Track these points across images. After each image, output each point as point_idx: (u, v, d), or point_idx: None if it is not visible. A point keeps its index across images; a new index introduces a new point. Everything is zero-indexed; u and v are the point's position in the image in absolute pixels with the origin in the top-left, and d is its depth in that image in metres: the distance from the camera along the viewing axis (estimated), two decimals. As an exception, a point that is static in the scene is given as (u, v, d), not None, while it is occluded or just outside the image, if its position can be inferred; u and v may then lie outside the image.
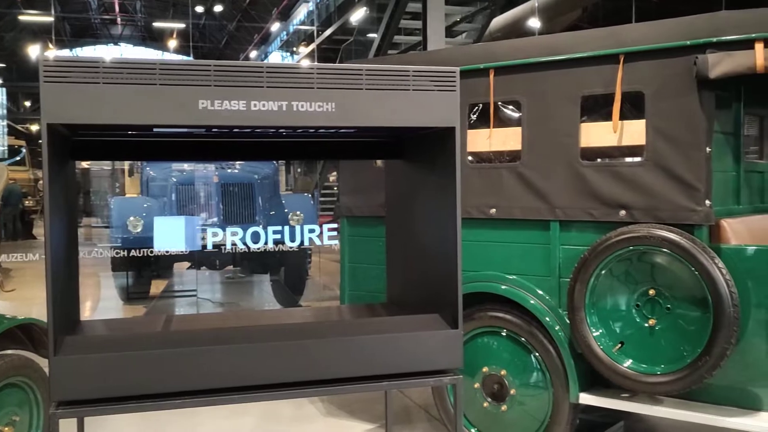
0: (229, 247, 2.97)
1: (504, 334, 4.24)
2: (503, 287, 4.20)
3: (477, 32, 13.34)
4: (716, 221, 3.70)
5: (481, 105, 4.34)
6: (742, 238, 3.76)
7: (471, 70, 4.27)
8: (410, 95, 2.56)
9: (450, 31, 14.12)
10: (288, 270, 10.10)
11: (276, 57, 37.49)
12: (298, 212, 9.96)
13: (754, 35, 3.43)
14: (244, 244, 2.93)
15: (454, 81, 2.70)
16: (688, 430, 4.75)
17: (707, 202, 3.59)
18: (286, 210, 10.20)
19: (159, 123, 2.47)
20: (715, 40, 3.51)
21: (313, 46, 25.57)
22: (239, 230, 2.85)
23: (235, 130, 2.69)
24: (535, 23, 13.86)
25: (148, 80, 2.43)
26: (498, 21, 14.12)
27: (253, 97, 2.48)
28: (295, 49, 33.82)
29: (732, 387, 3.65)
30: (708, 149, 3.59)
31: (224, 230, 2.86)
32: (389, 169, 3.51)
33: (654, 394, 3.73)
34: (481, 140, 4.34)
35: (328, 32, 23.91)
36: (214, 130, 2.70)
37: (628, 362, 3.73)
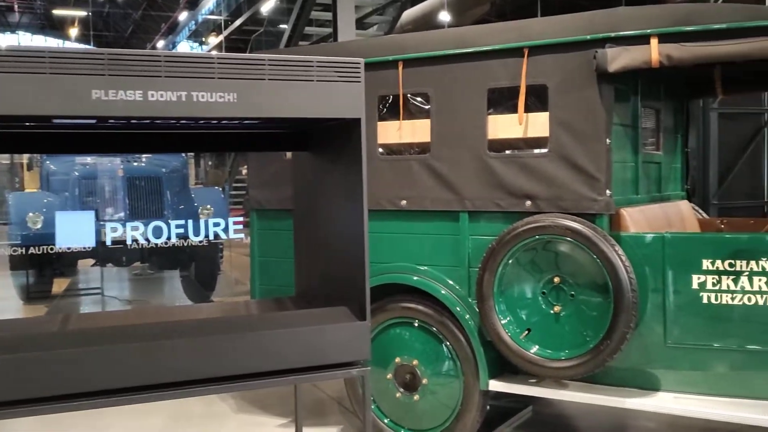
0: (129, 242, 2.86)
1: (416, 324, 4.27)
2: (415, 278, 4.23)
3: (388, 24, 13.39)
4: (616, 210, 3.84)
5: (390, 97, 4.34)
6: (640, 226, 3.91)
7: (380, 62, 4.27)
8: (314, 86, 2.53)
9: (361, 23, 14.13)
10: (199, 265, 9.89)
11: (184, 47, 36.59)
12: (208, 206, 9.78)
13: (649, 31, 3.55)
14: (146, 239, 2.83)
15: (359, 72, 2.69)
16: (594, 412, 4.95)
17: (608, 191, 3.71)
18: (195, 204, 9.99)
19: (50, 113, 2.35)
20: (613, 35, 3.63)
21: (222, 36, 25.07)
22: (140, 225, 2.75)
23: (133, 121, 2.59)
24: (445, 17, 14.04)
25: (37, 69, 2.31)
26: (409, 14, 14.23)
27: (150, 86, 2.39)
28: (204, 39, 33.09)
29: (632, 369, 3.80)
30: (608, 141, 3.71)
31: (124, 225, 2.75)
32: (296, 162, 3.47)
33: (559, 379, 3.84)
34: (392, 132, 4.34)
35: (238, 22, 23.49)
36: (110, 121, 2.59)
37: (535, 348, 3.82)
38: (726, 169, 9.85)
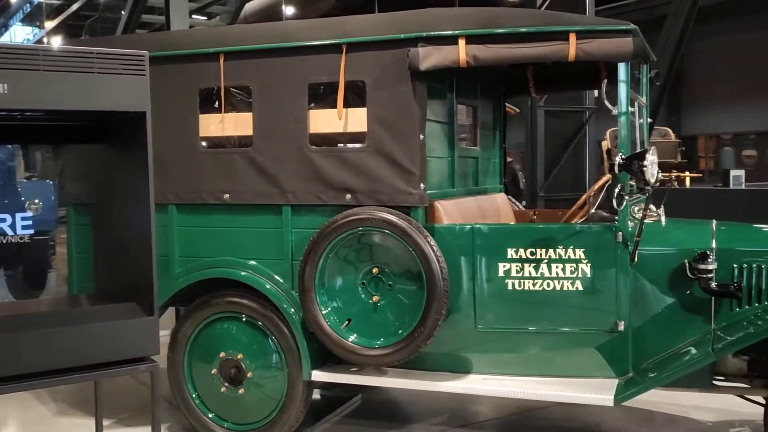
0: None
1: (242, 319, 4.26)
2: (240, 273, 4.22)
3: (231, 15, 13.17)
4: (431, 203, 4.01)
5: (214, 89, 4.29)
6: (454, 218, 4.11)
7: (201, 54, 4.22)
8: (95, 78, 2.46)
9: (205, 13, 13.79)
10: (26, 263, 9.31)
11: (19, 31, 34.10)
12: (36, 200, 9.22)
13: (458, 32, 3.74)
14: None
15: (143, 65, 2.64)
16: (418, 397, 5.15)
17: (422, 185, 3.87)
18: (23, 198, 9.39)
19: None
20: (425, 34, 3.78)
21: (57, 20, 23.62)
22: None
23: None
24: (290, 10, 13.99)
25: None
26: (252, 5, 14.05)
27: None
28: (39, 23, 31.01)
29: (448, 354, 4.00)
30: (422, 136, 3.87)
31: None
32: (92, 155, 3.36)
33: (378, 366, 3.97)
34: (214, 125, 4.30)
35: (74, 7, 22.21)
36: None
37: (354, 338, 3.93)
38: (552, 163, 10.53)
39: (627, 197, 3.56)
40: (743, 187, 9.78)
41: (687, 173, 17.32)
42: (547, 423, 4.79)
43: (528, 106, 9.93)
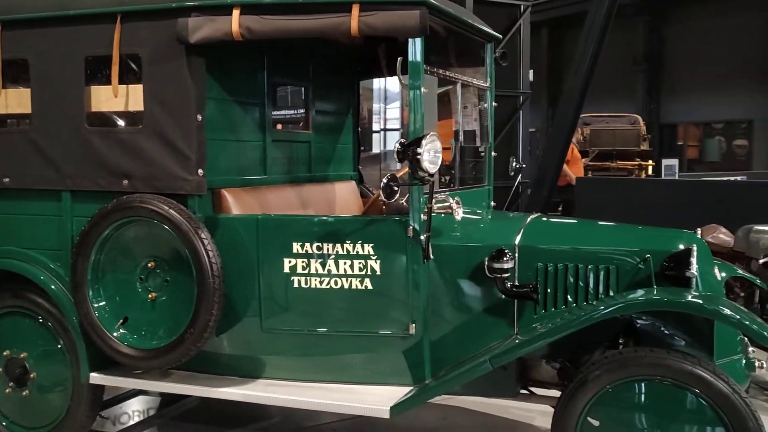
0: None
1: (26, 315, 3.91)
2: (19, 264, 3.86)
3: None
4: (217, 191, 3.65)
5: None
6: (249, 209, 3.75)
7: (-20, 24, 3.84)
8: None
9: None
10: None
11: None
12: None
13: (230, 1, 3.35)
14: None
15: None
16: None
17: (200, 171, 3.50)
18: None
19: None
20: (198, 4, 3.39)
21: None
22: None
23: None
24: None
25: None
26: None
27: None
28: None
29: (235, 356, 3.65)
30: (199, 117, 3.49)
31: None
32: None
33: (149, 370, 3.63)
34: (-7, 102, 3.92)
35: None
36: None
37: (127, 338, 3.58)
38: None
39: (397, 188, 3.15)
40: (676, 177, 9.40)
41: (650, 162, 16.99)
42: (384, 428, 4.45)
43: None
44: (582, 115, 13.05)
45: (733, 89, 20.19)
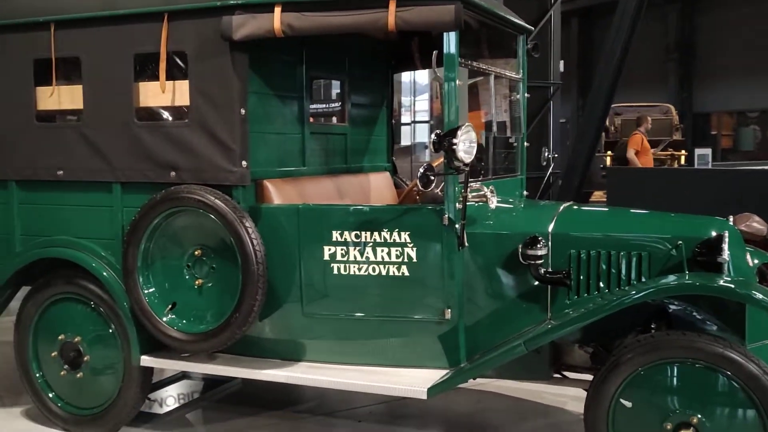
0: None
1: (80, 300, 4.11)
2: (73, 252, 4.05)
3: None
4: (260, 182, 3.80)
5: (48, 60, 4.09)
6: (290, 199, 3.89)
7: (34, 24, 4.03)
8: None
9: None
10: None
11: None
12: None
13: (274, -1, 3.48)
14: None
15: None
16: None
17: (243, 162, 3.65)
18: None
19: None
20: (242, 2, 3.53)
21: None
22: None
23: None
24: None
25: None
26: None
27: None
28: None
29: (276, 340, 3.80)
30: (243, 111, 3.64)
31: None
32: None
33: (197, 353, 3.79)
34: (48, 98, 4.10)
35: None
36: None
37: (177, 323, 3.75)
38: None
39: (433, 177, 3.27)
40: (710, 167, 9.35)
41: (683, 152, 16.85)
42: (418, 412, 4.58)
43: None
44: (613, 105, 13.03)
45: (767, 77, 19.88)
